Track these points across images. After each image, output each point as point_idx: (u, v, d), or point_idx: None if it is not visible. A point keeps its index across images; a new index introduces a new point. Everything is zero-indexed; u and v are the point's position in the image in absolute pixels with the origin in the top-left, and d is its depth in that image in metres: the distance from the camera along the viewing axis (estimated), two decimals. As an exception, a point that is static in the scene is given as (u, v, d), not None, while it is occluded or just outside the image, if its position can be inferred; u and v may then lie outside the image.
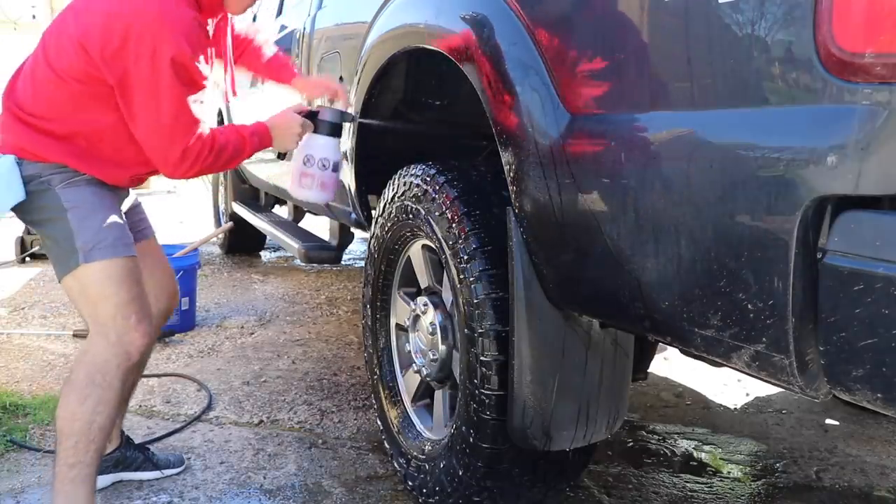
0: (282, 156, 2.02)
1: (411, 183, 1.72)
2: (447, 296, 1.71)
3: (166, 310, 1.94)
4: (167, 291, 1.93)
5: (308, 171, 1.89)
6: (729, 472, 2.09)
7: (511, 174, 1.37)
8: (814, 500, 1.96)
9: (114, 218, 1.65)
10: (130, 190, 1.85)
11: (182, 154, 1.59)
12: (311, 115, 1.87)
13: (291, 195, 2.02)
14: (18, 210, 1.63)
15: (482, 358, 1.48)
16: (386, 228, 1.89)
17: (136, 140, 1.61)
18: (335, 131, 1.88)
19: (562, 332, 1.41)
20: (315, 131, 1.87)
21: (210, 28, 1.70)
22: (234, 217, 4.54)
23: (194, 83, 1.59)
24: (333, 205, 2.67)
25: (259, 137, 1.77)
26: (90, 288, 1.62)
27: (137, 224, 1.87)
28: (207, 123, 1.64)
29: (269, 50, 2.08)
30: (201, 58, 1.59)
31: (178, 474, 1.99)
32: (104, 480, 1.89)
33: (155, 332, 1.93)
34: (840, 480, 2.06)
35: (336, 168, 1.90)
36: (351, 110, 2.11)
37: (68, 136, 1.60)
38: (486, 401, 1.49)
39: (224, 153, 1.67)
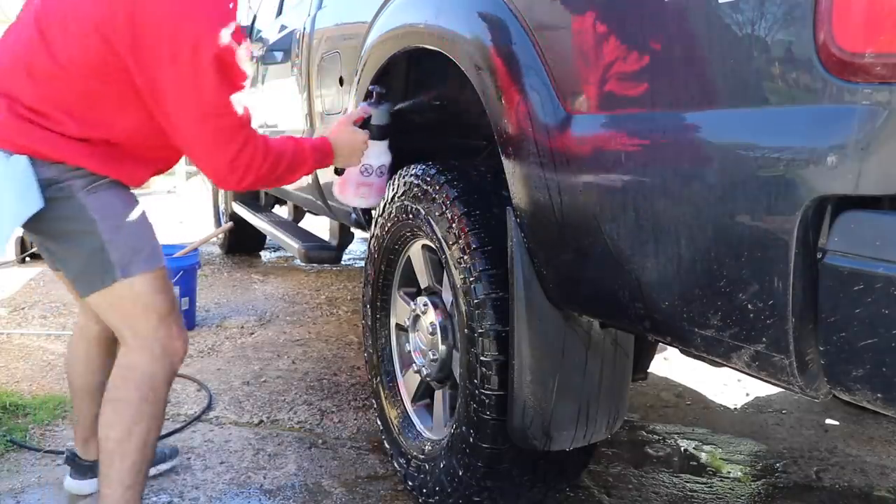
0: (339, 171, 1.89)
1: (411, 183, 1.72)
2: (447, 296, 1.71)
3: None
4: None
5: (367, 181, 1.85)
6: (729, 472, 2.09)
7: (511, 174, 1.37)
8: (814, 500, 1.96)
9: (147, 226, 1.53)
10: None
11: (231, 163, 1.43)
12: (365, 122, 1.79)
13: (343, 202, 1.96)
14: (31, 220, 1.40)
15: (482, 358, 1.48)
16: (386, 228, 1.89)
17: (161, 136, 1.45)
18: (386, 134, 1.80)
19: (562, 332, 1.41)
20: (370, 138, 1.79)
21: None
22: (234, 217, 4.54)
23: (234, 82, 1.40)
24: (333, 205, 2.67)
25: (322, 154, 1.65)
26: (128, 302, 1.49)
27: None
28: (256, 128, 1.49)
29: None
30: (241, 49, 1.38)
31: (172, 470, 1.98)
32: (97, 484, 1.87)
33: None
34: (840, 480, 2.06)
35: (387, 174, 1.83)
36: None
37: (85, 137, 1.40)
38: (486, 401, 1.49)
39: (280, 163, 1.51)
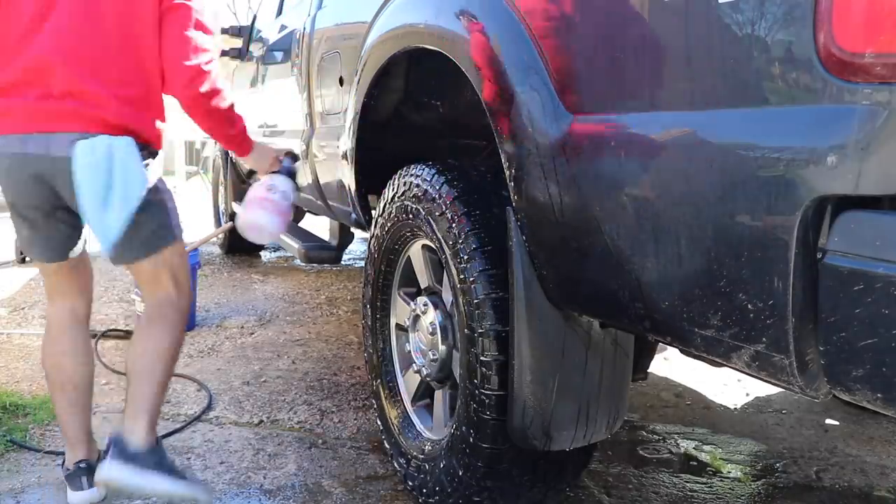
0: (250, 174, 2.18)
1: (411, 183, 1.72)
2: (447, 296, 1.71)
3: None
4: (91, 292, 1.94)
5: (270, 196, 2.10)
6: (729, 472, 2.09)
7: (511, 174, 1.37)
8: (814, 500, 1.96)
9: None
10: None
11: (200, 67, 1.70)
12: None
13: (240, 221, 2.13)
14: None
15: (482, 358, 1.48)
16: (386, 228, 1.89)
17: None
18: (290, 176, 2.14)
19: (562, 332, 1.41)
20: (276, 172, 2.15)
21: None
22: (234, 217, 4.54)
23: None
24: (333, 204, 2.67)
25: (245, 136, 1.92)
26: (177, 257, 1.78)
27: None
28: (256, 129, 1.84)
29: None
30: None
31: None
32: (94, 494, 1.78)
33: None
34: (840, 480, 2.06)
35: (290, 206, 2.11)
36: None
37: (151, 100, 1.70)
38: (486, 401, 1.49)
39: (226, 100, 1.79)
